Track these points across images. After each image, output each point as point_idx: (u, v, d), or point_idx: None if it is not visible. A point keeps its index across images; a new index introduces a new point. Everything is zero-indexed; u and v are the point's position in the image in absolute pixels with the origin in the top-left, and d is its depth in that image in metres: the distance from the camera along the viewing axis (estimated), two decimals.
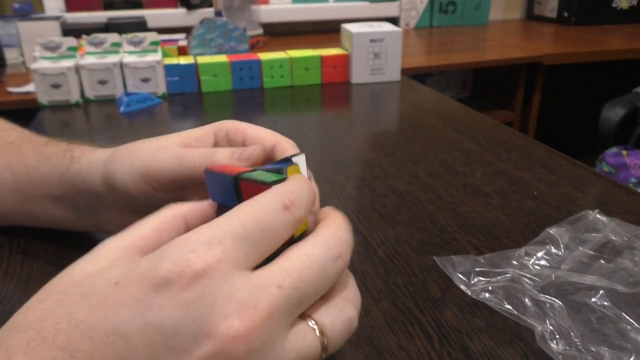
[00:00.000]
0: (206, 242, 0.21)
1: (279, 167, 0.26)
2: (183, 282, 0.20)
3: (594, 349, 0.30)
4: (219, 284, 0.20)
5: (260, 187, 0.24)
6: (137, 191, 0.32)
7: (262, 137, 0.32)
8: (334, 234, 0.24)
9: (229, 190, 0.25)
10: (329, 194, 0.51)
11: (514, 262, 0.37)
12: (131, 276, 0.20)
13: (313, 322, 0.23)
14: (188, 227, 0.25)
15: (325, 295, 0.24)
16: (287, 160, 0.27)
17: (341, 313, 0.24)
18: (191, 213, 0.26)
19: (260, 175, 0.25)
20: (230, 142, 0.33)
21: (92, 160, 0.35)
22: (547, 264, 0.37)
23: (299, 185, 0.24)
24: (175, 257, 0.20)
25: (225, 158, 0.30)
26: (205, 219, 0.24)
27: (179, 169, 0.31)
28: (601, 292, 0.33)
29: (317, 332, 0.23)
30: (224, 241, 0.21)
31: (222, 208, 0.25)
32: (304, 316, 0.23)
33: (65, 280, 0.22)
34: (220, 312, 0.20)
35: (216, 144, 0.34)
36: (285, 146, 0.31)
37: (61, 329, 0.19)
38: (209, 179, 0.26)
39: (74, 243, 0.41)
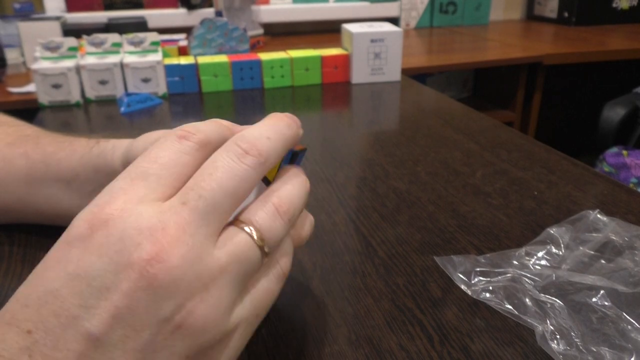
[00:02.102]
0: (108, 193, 0.22)
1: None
2: (93, 231, 0.21)
3: (594, 349, 0.30)
4: (125, 220, 0.21)
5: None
6: None
7: None
8: (237, 137, 0.24)
9: None
10: (329, 193, 0.51)
11: (515, 262, 0.37)
12: (54, 246, 0.22)
13: (243, 224, 0.23)
14: None
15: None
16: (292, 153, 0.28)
17: (265, 204, 0.24)
18: None
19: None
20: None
21: (118, 143, 0.36)
22: (548, 264, 0.37)
23: (201, 122, 0.25)
24: (82, 215, 0.21)
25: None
26: None
27: None
28: (602, 292, 0.33)
29: (247, 228, 0.23)
30: (124, 186, 0.22)
31: None
32: (236, 222, 0.23)
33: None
34: (131, 243, 0.20)
35: None
36: None
37: (8, 308, 0.21)
38: None
39: None
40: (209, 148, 0.24)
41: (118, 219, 0.21)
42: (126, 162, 0.34)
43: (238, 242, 0.22)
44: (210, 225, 0.22)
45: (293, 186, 0.26)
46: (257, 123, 0.26)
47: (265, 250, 0.23)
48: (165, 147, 0.23)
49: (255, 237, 0.23)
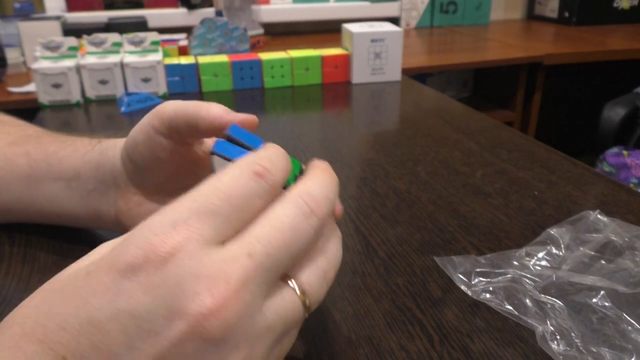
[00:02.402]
0: (170, 224, 0.20)
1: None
2: (149, 266, 0.19)
3: (594, 350, 0.30)
4: (186, 264, 0.20)
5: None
6: (143, 138, 0.33)
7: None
8: (304, 190, 0.23)
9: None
10: None
11: (515, 262, 0.37)
12: (100, 265, 0.20)
13: (293, 281, 0.23)
14: None
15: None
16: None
17: (315, 267, 0.23)
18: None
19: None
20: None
21: (120, 140, 0.36)
22: (548, 265, 0.37)
23: (273, 151, 0.24)
24: (139, 241, 0.20)
25: (220, 110, 0.30)
26: None
27: (177, 106, 0.32)
28: (602, 292, 0.33)
29: (297, 290, 0.22)
30: (189, 220, 0.20)
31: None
32: (286, 278, 0.23)
33: (55, 278, 0.22)
34: (189, 291, 0.19)
35: None
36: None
37: (40, 323, 0.20)
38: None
39: (74, 243, 0.41)
40: (279, 190, 0.23)
41: (178, 261, 0.19)
42: (125, 158, 0.34)
43: (287, 302, 0.22)
44: (268, 283, 0.21)
45: (338, 251, 0.25)
46: (317, 174, 0.24)
47: (308, 311, 0.23)
48: (240, 185, 0.21)
49: (303, 300, 0.23)
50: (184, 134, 0.32)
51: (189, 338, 0.19)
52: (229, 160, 0.25)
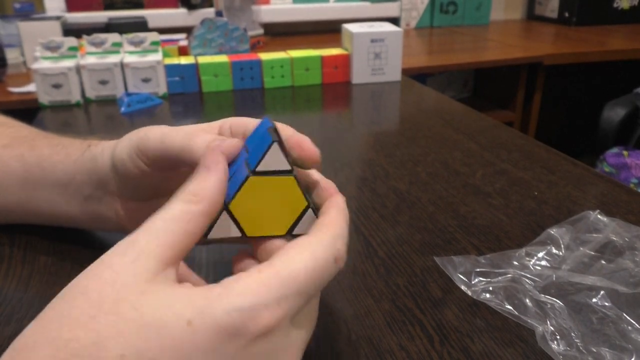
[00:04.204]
0: (277, 300, 0.22)
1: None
2: (254, 335, 0.21)
3: (594, 350, 0.30)
4: (280, 338, 0.22)
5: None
6: (132, 167, 0.32)
7: None
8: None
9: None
10: None
11: (515, 262, 0.37)
12: (206, 319, 0.20)
13: None
14: (208, 215, 0.24)
15: None
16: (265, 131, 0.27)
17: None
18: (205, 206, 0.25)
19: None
20: (233, 135, 0.33)
21: (107, 144, 0.36)
22: (548, 265, 0.37)
23: (343, 227, 0.26)
24: (249, 310, 0.21)
25: (202, 143, 0.29)
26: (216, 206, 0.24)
27: (161, 146, 0.30)
28: (602, 292, 0.33)
29: None
30: (290, 298, 0.22)
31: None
32: None
33: (108, 291, 0.20)
34: None
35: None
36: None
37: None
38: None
39: (74, 244, 0.41)
40: None
41: (277, 334, 0.22)
42: (114, 166, 0.34)
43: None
44: None
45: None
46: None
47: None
48: (326, 270, 0.24)
49: None
50: (175, 166, 0.32)
51: None
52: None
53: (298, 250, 0.23)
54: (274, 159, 0.25)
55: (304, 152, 0.28)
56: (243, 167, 0.26)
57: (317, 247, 0.24)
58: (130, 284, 0.21)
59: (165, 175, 0.33)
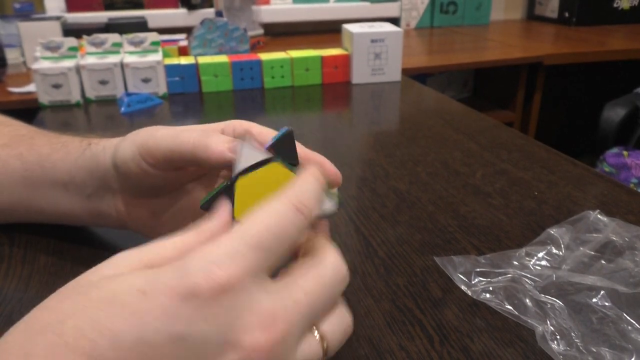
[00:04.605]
0: (228, 255, 0.21)
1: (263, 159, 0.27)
2: (209, 294, 0.20)
3: (594, 350, 0.30)
4: (242, 297, 0.21)
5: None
6: (135, 167, 0.32)
7: (264, 134, 0.32)
8: (338, 256, 0.25)
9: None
10: None
11: (515, 262, 0.37)
12: (157, 285, 0.20)
13: (317, 331, 0.24)
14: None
15: None
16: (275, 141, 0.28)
17: (340, 320, 0.25)
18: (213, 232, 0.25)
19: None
20: (236, 137, 0.34)
21: (108, 143, 0.36)
22: (548, 264, 0.37)
23: (308, 182, 0.25)
24: (200, 269, 0.21)
25: (219, 142, 0.29)
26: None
27: (173, 145, 0.31)
28: (602, 292, 0.33)
29: (319, 340, 0.24)
30: (244, 253, 0.21)
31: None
32: (314, 330, 0.24)
33: (82, 282, 0.22)
34: (244, 324, 0.21)
35: None
36: None
37: (85, 335, 0.19)
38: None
39: (74, 244, 0.41)
40: (313, 220, 0.25)
41: (236, 292, 0.21)
42: (115, 159, 0.34)
43: (312, 351, 0.24)
44: (305, 331, 0.23)
45: (346, 312, 0.27)
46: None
47: (325, 356, 0.25)
48: (284, 219, 0.23)
49: (324, 347, 0.24)
50: (181, 167, 0.32)
51: None
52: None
53: (255, 210, 0.23)
54: (250, 156, 0.27)
55: (326, 174, 0.29)
56: None
57: (273, 200, 0.24)
58: (111, 273, 0.22)
59: (168, 175, 0.33)
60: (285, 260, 0.24)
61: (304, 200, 0.24)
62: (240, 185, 0.26)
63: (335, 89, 0.90)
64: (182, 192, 0.36)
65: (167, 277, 0.21)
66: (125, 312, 0.20)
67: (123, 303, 0.20)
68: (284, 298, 0.22)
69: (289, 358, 0.22)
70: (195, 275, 0.20)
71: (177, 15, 1.57)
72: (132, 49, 0.88)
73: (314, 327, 0.24)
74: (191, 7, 1.56)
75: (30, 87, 1.11)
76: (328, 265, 0.25)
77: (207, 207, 0.26)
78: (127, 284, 0.21)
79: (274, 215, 0.23)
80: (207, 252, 0.21)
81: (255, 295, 0.21)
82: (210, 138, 0.29)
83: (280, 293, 0.22)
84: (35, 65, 0.80)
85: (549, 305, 0.33)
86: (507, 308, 0.34)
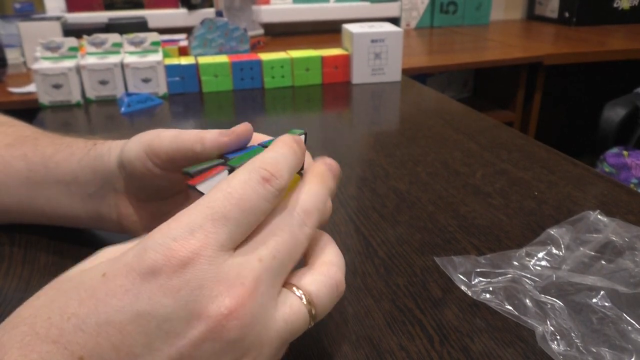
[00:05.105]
0: (187, 229, 0.21)
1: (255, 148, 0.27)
2: (170, 270, 0.20)
3: (594, 350, 0.30)
4: (205, 268, 0.21)
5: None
6: (141, 166, 0.33)
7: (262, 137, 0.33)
8: (297, 200, 0.25)
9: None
10: None
11: (515, 262, 0.37)
12: (117, 267, 0.21)
13: (300, 291, 0.24)
14: None
15: (309, 264, 0.25)
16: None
17: (327, 279, 0.25)
18: None
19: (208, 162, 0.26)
20: (238, 140, 0.34)
21: (114, 144, 0.36)
22: (548, 265, 0.37)
23: (278, 152, 0.25)
24: (158, 246, 0.21)
25: (214, 135, 0.30)
26: None
27: (174, 144, 0.31)
28: (602, 292, 0.33)
29: (304, 300, 0.24)
30: (204, 225, 0.21)
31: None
32: (289, 286, 0.24)
33: (61, 278, 0.22)
34: (209, 294, 0.20)
35: None
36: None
37: (53, 323, 0.20)
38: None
39: (74, 244, 0.41)
40: (285, 190, 0.25)
41: (197, 265, 0.21)
42: (121, 165, 0.34)
43: (295, 311, 0.23)
44: (276, 287, 0.23)
45: (339, 255, 0.27)
46: (311, 182, 0.26)
47: (314, 320, 0.24)
48: (248, 189, 0.23)
49: (309, 309, 0.24)
50: (182, 164, 0.32)
51: (208, 338, 0.20)
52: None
53: (221, 182, 0.23)
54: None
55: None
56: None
57: (239, 171, 0.24)
58: (89, 267, 0.22)
59: (172, 176, 0.33)
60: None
61: (271, 170, 0.24)
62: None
63: (335, 89, 0.90)
64: (183, 197, 0.36)
65: (127, 258, 0.21)
66: (87, 296, 0.20)
67: (86, 288, 0.20)
68: (248, 259, 0.22)
69: (267, 319, 0.22)
70: (154, 252, 0.20)
71: (177, 15, 1.57)
72: (132, 49, 0.88)
73: (294, 287, 0.24)
74: (191, 7, 1.56)
75: (31, 87, 1.11)
76: (283, 209, 0.24)
77: (192, 175, 0.25)
78: (92, 272, 0.21)
79: (239, 186, 0.23)
80: (167, 228, 0.21)
81: (221, 266, 0.21)
82: (207, 132, 0.30)
83: (244, 255, 0.22)
84: (35, 66, 0.80)
85: (549, 306, 0.33)
86: (507, 308, 0.34)
